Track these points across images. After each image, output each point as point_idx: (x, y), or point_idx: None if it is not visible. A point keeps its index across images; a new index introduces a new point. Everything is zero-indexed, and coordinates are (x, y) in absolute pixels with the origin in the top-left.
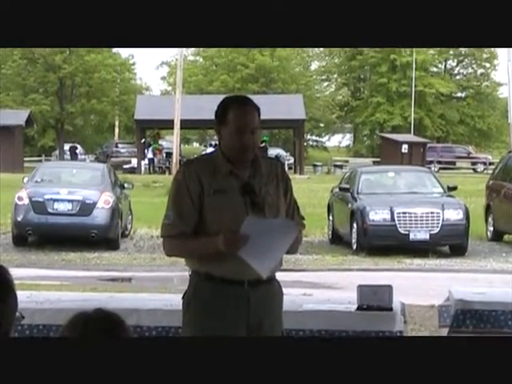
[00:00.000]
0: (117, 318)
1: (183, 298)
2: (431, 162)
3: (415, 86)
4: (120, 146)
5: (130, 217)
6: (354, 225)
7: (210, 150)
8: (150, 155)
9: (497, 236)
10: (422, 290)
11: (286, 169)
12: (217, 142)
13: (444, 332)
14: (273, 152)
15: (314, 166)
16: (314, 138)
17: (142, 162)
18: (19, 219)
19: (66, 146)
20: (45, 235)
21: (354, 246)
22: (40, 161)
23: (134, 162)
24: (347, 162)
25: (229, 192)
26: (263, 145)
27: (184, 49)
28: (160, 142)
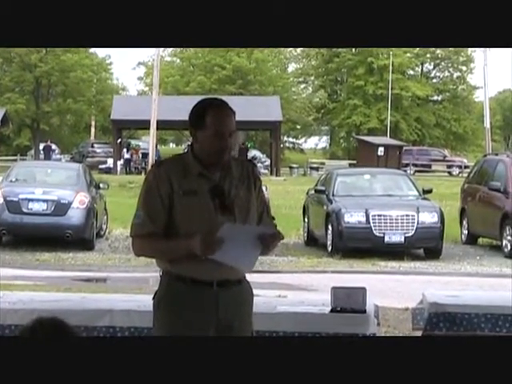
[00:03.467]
0: (57, 321)
1: (154, 298)
2: (407, 165)
3: (392, 88)
4: (96, 146)
5: (105, 217)
6: (330, 227)
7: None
8: (127, 156)
9: (471, 239)
10: (396, 293)
11: (263, 171)
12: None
13: (417, 334)
14: (249, 154)
15: (291, 167)
16: (290, 139)
17: (118, 163)
18: None
19: (42, 146)
20: (19, 235)
21: (329, 248)
22: (15, 160)
23: (110, 162)
24: (323, 164)
25: (199, 194)
26: (243, 146)
27: (161, 49)
28: (138, 142)
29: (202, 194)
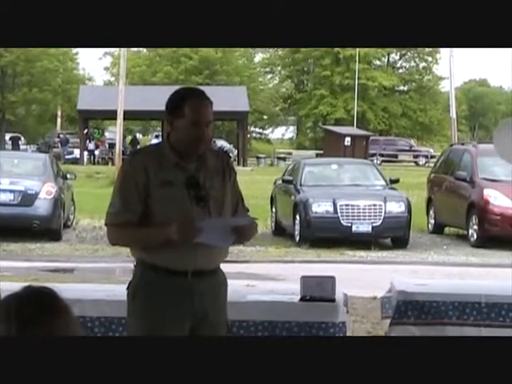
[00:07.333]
0: (48, 291)
1: (128, 288)
2: (374, 155)
3: (358, 78)
4: (62, 136)
5: (72, 207)
6: (297, 217)
7: (154, 141)
8: (90, 146)
9: (438, 228)
10: (364, 282)
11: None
12: (160, 134)
13: (386, 323)
14: (216, 144)
15: (258, 158)
16: (257, 130)
17: (85, 153)
18: None
19: (8, 136)
20: None
21: (297, 238)
22: None
23: (77, 152)
24: (290, 154)
25: (174, 184)
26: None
27: None
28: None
29: (177, 185)
